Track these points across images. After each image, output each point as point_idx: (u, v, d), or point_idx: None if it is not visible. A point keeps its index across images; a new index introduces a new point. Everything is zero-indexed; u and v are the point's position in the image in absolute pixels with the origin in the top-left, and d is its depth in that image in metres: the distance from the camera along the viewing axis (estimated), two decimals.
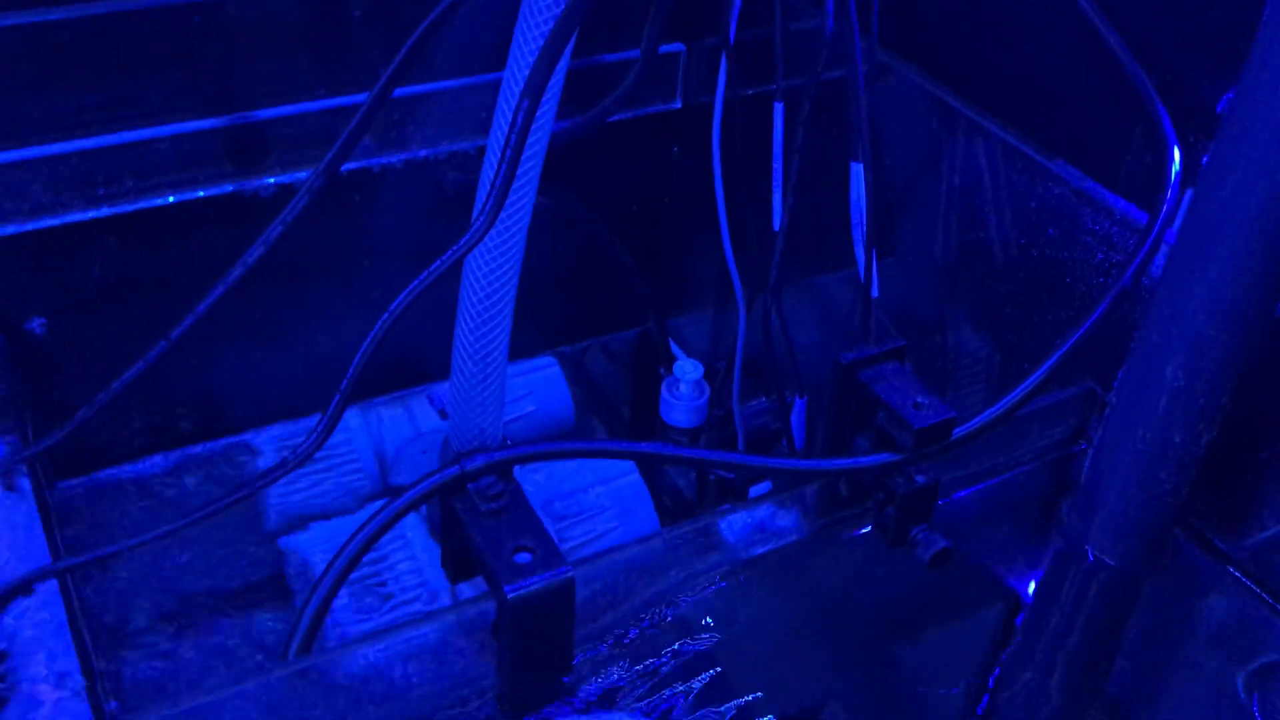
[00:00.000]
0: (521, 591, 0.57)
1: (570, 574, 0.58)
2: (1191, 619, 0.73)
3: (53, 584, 0.73)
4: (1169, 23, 0.73)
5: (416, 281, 0.76)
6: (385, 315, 0.77)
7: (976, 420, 0.65)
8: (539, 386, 1.23)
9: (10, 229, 0.85)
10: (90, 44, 0.82)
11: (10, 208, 0.85)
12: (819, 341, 1.03)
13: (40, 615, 0.71)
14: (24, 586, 0.71)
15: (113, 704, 0.65)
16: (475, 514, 0.60)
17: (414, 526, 1.04)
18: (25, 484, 0.80)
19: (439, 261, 0.73)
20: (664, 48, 1.04)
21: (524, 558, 0.59)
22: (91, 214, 0.87)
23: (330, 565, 0.57)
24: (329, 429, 0.76)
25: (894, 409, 0.63)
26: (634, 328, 1.26)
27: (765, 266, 0.90)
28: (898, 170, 0.92)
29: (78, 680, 0.67)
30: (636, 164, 1.13)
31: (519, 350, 1.23)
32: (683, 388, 1.08)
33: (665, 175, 1.13)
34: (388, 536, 1.05)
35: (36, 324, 0.92)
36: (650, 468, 1.15)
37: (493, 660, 0.61)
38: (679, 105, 1.07)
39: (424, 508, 0.98)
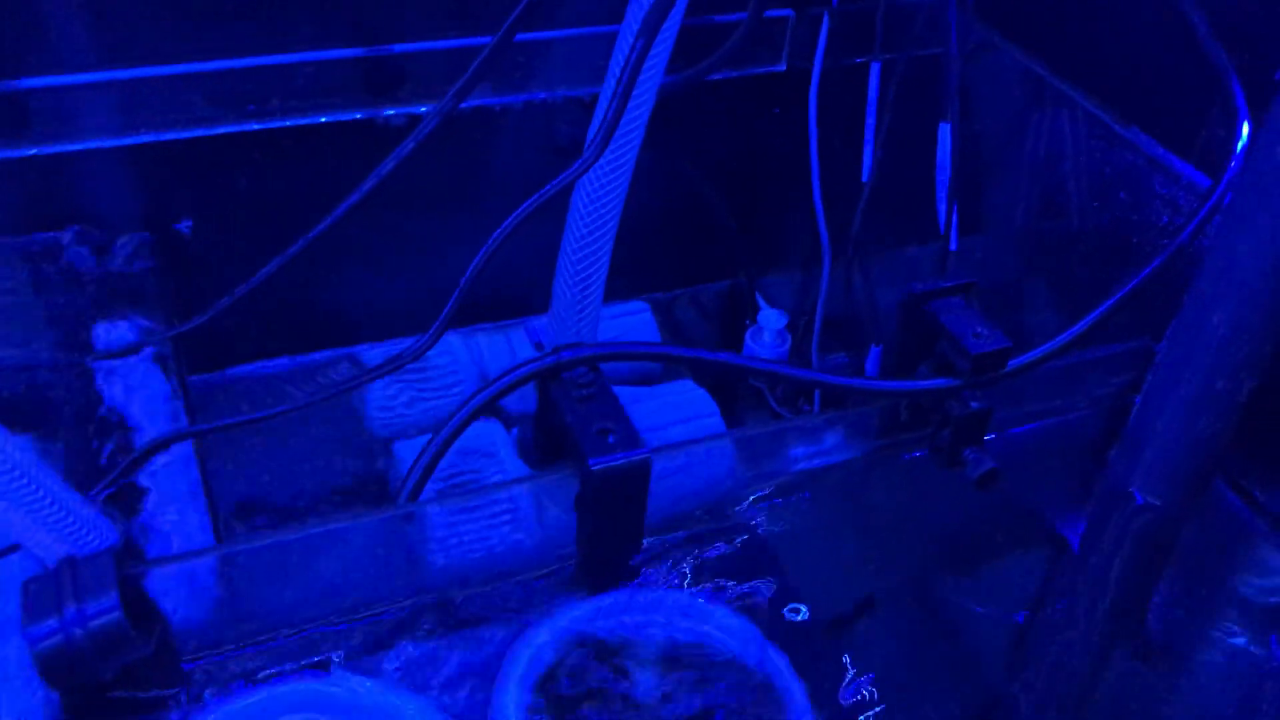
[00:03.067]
0: (604, 465, 0.64)
1: (648, 455, 0.65)
2: (1228, 566, 0.77)
3: (187, 446, 0.82)
4: (1250, 1, 0.77)
5: (529, 201, 0.84)
6: (498, 231, 0.84)
7: (1031, 354, 0.70)
8: (632, 329, 1.30)
9: (171, 135, 0.95)
10: None
11: (172, 117, 0.95)
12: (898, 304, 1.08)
13: (175, 470, 0.80)
14: (163, 443, 0.80)
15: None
16: (568, 399, 0.68)
17: (505, 446, 1.12)
18: (169, 367, 0.90)
19: (550, 185, 0.81)
20: (773, 12, 1.10)
21: (608, 438, 0.66)
22: (241, 128, 0.97)
23: (442, 427, 0.65)
24: (438, 333, 0.84)
25: (954, 336, 0.68)
26: (722, 280, 1.32)
27: (852, 226, 0.96)
28: (986, 139, 0.97)
29: (205, 520, 0.76)
30: (739, 123, 1.19)
31: (613, 294, 1.30)
32: (766, 335, 1.14)
33: (765, 135, 1.19)
34: (482, 452, 1.14)
35: (184, 225, 1.01)
36: (730, 409, 1.21)
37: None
38: (783, 68, 1.13)
39: (515, 430, 1.06)
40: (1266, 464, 0.75)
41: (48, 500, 0.56)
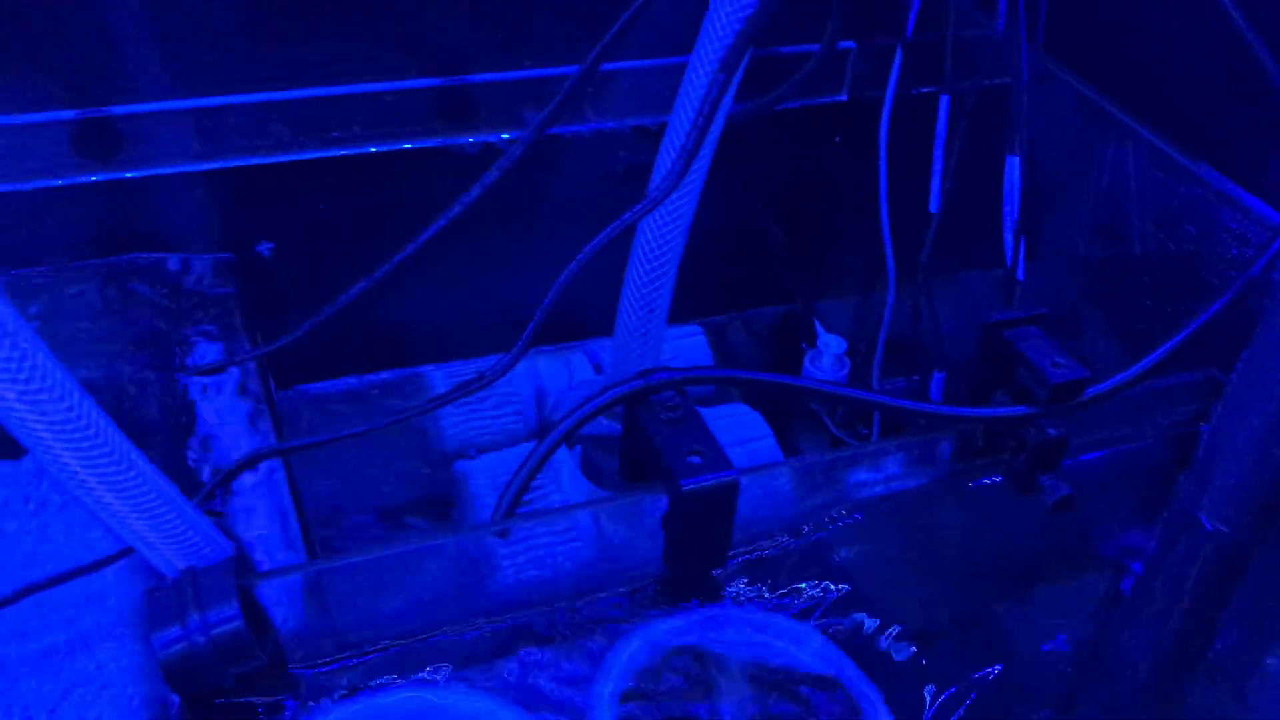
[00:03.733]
0: (694, 485, 0.66)
1: (736, 476, 0.67)
2: None
3: (276, 462, 0.85)
4: None
5: (603, 234, 0.86)
6: (572, 264, 0.87)
7: (1105, 384, 0.72)
8: (685, 352, 1.33)
9: (254, 160, 0.98)
10: (330, 4, 0.94)
11: (254, 143, 0.98)
12: (961, 332, 1.10)
13: (264, 486, 0.83)
14: (255, 459, 0.83)
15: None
16: (656, 421, 0.70)
17: (567, 464, 1.15)
18: (254, 385, 0.92)
19: (621, 219, 0.83)
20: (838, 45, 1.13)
21: (696, 459, 0.68)
22: (323, 154, 1.00)
23: (543, 437, 0.67)
24: (512, 363, 0.87)
25: (1034, 364, 0.70)
26: (776, 305, 1.34)
27: (915, 253, 0.98)
28: (1050, 170, 0.99)
29: (295, 535, 0.78)
30: (800, 151, 1.21)
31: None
32: (825, 360, 1.16)
33: (825, 164, 1.21)
34: (545, 471, 1.16)
35: (265, 248, 1.04)
36: (784, 431, 1.23)
37: (658, 549, 0.70)
38: (845, 98, 1.15)
39: (578, 449, 1.08)
40: None
41: (171, 513, 0.59)
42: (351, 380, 1.20)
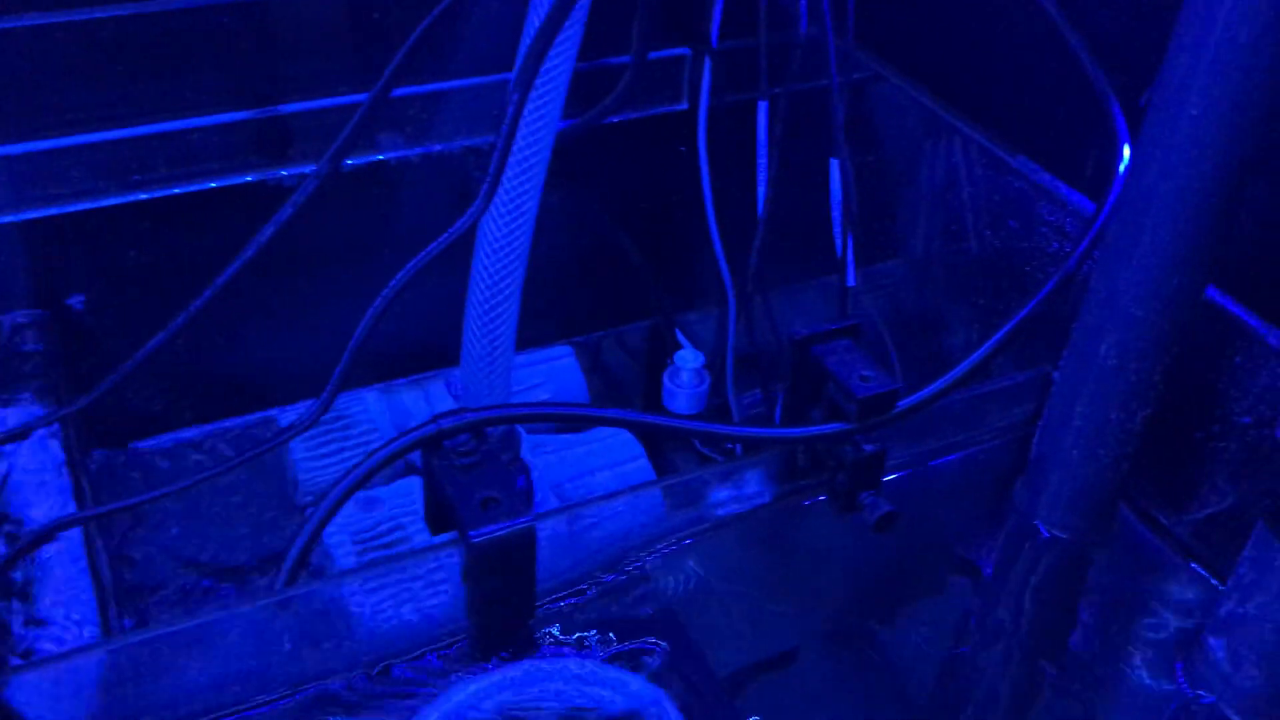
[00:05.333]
0: (485, 537, 0.62)
1: (531, 522, 0.63)
2: (1136, 591, 0.76)
3: (77, 531, 0.80)
4: (1128, 25, 0.77)
5: (413, 263, 0.82)
6: (385, 291, 0.83)
7: (920, 394, 0.69)
8: (554, 375, 1.29)
9: (52, 210, 0.93)
10: (125, 41, 0.89)
11: (52, 192, 0.93)
12: None
13: (65, 557, 0.78)
14: (48, 534, 0.78)
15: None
16: (450, 468, 0.66)
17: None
18: (57, 445, 0.87)
19: (433, 245, 0.80)
20: (669, 51, 1.10)
21: (490, 507, 0.64)
22: (126, 198, 0.95)
23: (313, 514, 0.63)
24: (332, 395, 0.82)
25: (840, 380, 0.67)
26: (645, 320, 1.31)
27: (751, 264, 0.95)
28: (886, 169, 0.97)
29: (93, 617, 0.73)
30: (646, 162, 1.18)
31: (536, 339, 1.29)
32: (683, 376, 1.13)
33: (673, 174, 1.18)
34: (404, 509, 1.11)
35: (76, 300, 0.99)
36: (658, 452, 1.20)
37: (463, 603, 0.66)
38: (685, 106, 1.12)
39: None
40: (1170, 489, 0.75)
41: None
42: (191, 431, 1.14)
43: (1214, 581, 0.73)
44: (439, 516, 0.69)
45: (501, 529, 0.63)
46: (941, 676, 0.81)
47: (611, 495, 0.69)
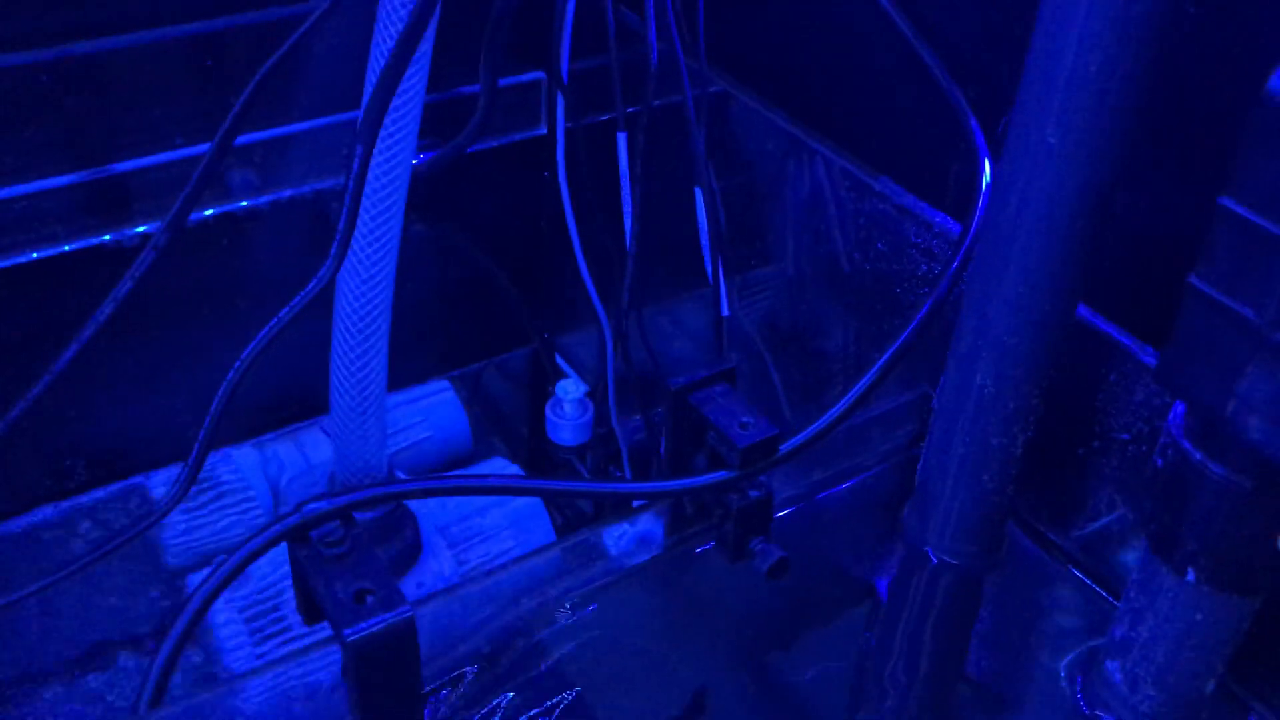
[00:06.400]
0: (361, 634, 0.59)
1: (410, 613, 0.60)
2: (1030, 609, 0.76)
3: None
4: (984, 39, 0.76)
5: (274, 322, 0.78)
6: (245, 351, 0.78)
7: (802, 435, 0.67)
8: (433, 411, 1.25)
9: None
10: None
11: None
12: (690, 355, 1.06)
13: None
14: None
15: None
16: (317, 560, 0.62)
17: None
18: None
19: (284, 311, 0.75)
20: (526, 76, 1.07)
21: (364, 600, 0.60)
22: None
23: (168, 632, 0.59)
24: (200, 459, 0.78)
25: (720, 430, 0.65)
26: (525, 347, 1.28)
27: (622, 295, 0.92)
28: (747, 190, 0.95)
29: None
30: (512, 189, 1.15)
31: (413, 376, 1.25)
32: (565, 407, 1.10)
33: (538, 200, 1.15)
34: (283, 572, 1.07)
35: None
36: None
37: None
38: (544, 131, 1.09)
39: None
40: (1056, 506, 0.75)
41: None
42: (62, 506, 1.08)
43: (1104, 594, 0.73)
44: (312, 607, 0.66)
45: (378, 623, 0.60)
46: (850, 704, 0.81)
47: (494, 571, 0.66)
